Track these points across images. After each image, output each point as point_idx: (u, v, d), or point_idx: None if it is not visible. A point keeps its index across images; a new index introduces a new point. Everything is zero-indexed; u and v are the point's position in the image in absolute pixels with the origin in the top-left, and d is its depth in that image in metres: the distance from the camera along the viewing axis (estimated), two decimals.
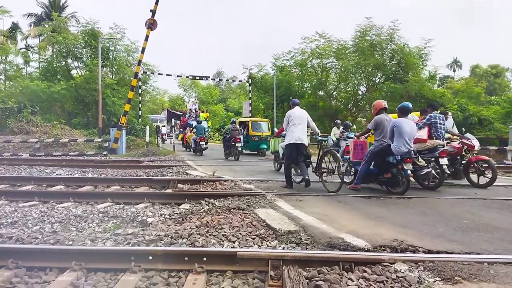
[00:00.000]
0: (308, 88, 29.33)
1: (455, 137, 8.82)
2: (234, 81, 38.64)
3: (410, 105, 7.50)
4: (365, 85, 27.71)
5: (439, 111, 8.60)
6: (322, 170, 7.57)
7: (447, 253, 3.61)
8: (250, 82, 27.96)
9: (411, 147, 6.82)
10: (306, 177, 7.32)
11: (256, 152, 18.19)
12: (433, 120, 7.86)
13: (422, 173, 7.08)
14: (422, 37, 26.99)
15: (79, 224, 5.00)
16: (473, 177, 8.39)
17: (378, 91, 26.16)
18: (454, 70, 63.15)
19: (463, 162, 8.48)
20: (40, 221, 5.09)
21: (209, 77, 30.81)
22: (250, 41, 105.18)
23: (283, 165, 9.16)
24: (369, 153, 7.24)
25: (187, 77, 28.93)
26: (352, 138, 11.53)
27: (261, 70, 30.51)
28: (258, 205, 5.78)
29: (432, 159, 7.52)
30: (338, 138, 13.76)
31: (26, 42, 37.70)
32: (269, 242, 4.09)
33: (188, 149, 19.79)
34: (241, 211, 5.43)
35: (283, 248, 3.86)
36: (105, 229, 4.76)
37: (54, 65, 25.54)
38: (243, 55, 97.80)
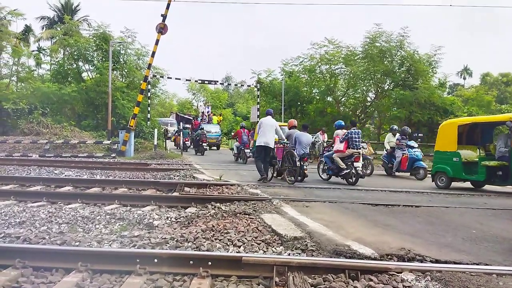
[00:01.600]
0: (316, 93, 29.28)
1: None
2: (243, 85, 38.68)
3: (343, 123, 11.46)
4: (374, 91, 27.57)
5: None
6: (285, 167, 9.50)
7: (455, 263, 3.56)
8: (259, 87, 28.00)
9: (306, 151, 9.76)
10: (269, 174, 9.44)
11: None
12: (349, 135, 9.86)
13: (343, 173, 9.80)
14: (432, 44, 26.79)
15: (86, 226, 5.03)
16: None
17: (387, 98, 26.00)
18: (464, 78, 62.62)
19: None
20: (47, 222, 5.13)
21: (217, 81, 30.73)
22: (260, 46, 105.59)
23: (238, 157, 16.57)
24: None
25: (196, 81, 29.08)
26: (413, 147, 12.12)
27: (269, 75, 30.57)
28: (264, 210, 5.76)
29: (349, 163, 9.72)
30: (393, 147, 12.38)
31: (39, 44, 38.29)
32: (275, 248, 4.07)
33: (177, 147, 23.10)
34: (247, 216, 5.42)
35: (289, 254, 3.84)
36: (111, 231, 4.78)
37: (65, 68, 25.87)
38: (252, 60, 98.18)
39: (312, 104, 29.00)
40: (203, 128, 22.24)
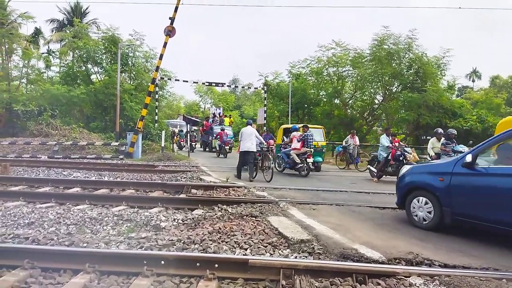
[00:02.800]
0: (323, 96, 29.19)
1: None
2: (250, 88, 38.59)
3: (298, 126, 13.50)
4: (381, 94, 27.41)
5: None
6: (264, 167, 11.17)
7: (464, 267, 3.53)
8: (266, 89, 27.98)
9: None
10: (254, 174, 10.62)
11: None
12: (305, 137, 11.93)
13: (298, 167, 11.76)
14: (441, 47, 26.57)
15: (94, 227, 5.06)
16: None
17: (395, 100, 25.83)
18: (473, 81, 61.96)
19: None
20: (56, 223, 5.17)
21: (224, 83, 30.52)
22: (267, 49, 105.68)
23: (219, 153, 20.29)
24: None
25: (203, 83, 29.02)
26: (461, 151, 10.06)
27: (276, 78, 30.54)
28: (271, 213, 5.75)
29: (303, 159, 11.67)
30: (438, 153, 10.73)
31: (48, 47, 38.64)
32: (281, 251, 4.06)
33: (178, 148, 25.48)
34: (254, 218, 5.42)
35: (296, 257, 3.83)
36: (119, 232, 4.81)
37: (75, 70, 26.09)
38: (259, 63, 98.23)
39: (319, 107, 28.92)
40: (193, 131, 25.49)
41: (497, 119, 25.38)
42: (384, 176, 11.86)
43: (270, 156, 11.10)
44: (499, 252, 4.17)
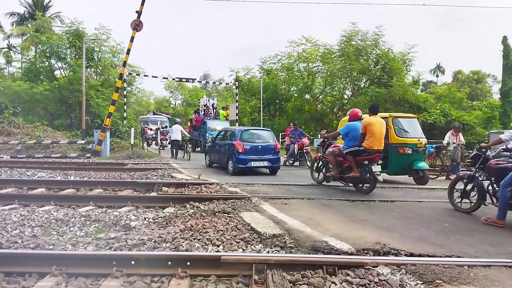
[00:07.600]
0: (294, 91, 29.54)
1: None
2: (221, 83, 38.45)
3: (179, 120, 20.07)
4: (350, 89, 28.04)
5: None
6: (186, 151, 16.30)
7: (428, 256, 3.67)
8: (237, 85, 27.94)
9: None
10: (180, 155, 16.35)
11: (403, 176, 9.86)
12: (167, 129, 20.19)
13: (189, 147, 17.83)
14: (406, 43, 27.47)
15: (60, 228, 4.90)
16: None
17: (363, 95, 26.49)
18: (437, 76, 64.16)
19: None
20: (20, 225, 4.97)
21: (195, 79, 30.14)
22: (237, 44, 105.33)
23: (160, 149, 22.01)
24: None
25: (173, 79, 28.57)
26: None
27: (248, 73, 30.64)
28: (243, 209, 5.77)
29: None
30: None
31: (8, 41, 36.91)
32: (254, 246, 4.08)
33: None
34: (226, 214, 5.42)
35: (268, 252, 3.86)
36: (86, 233, 4.68)
37: (37, 66, 25.11)
38: (230, 58, 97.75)
39: (290, 102, 29.25)
40: (166, 127, 24.92)
41: (460, 112, 26.58)
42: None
43: (189, 144, 17.21)
44: (461, 240, 4.38)
